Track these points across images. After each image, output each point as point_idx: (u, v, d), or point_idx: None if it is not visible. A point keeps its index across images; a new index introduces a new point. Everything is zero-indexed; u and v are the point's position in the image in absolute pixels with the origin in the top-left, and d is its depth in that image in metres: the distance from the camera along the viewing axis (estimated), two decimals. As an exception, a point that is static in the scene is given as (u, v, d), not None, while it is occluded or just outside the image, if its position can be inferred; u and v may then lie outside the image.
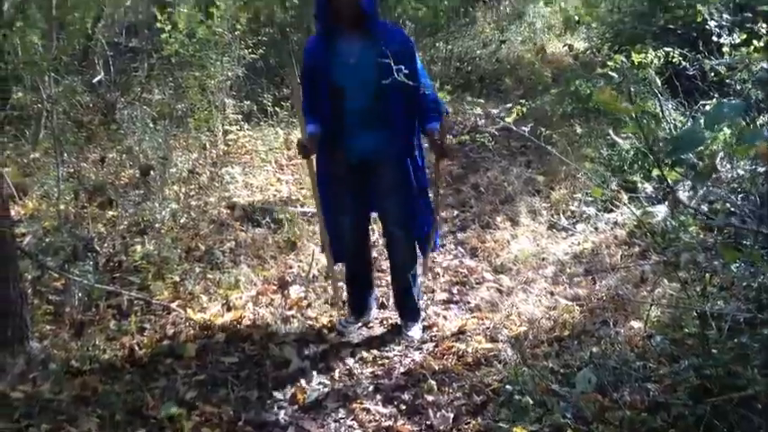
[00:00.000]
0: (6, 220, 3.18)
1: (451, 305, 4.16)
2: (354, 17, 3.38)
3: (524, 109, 6.23)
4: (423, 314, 3.96)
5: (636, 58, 5.31)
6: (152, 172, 5.37)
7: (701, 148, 4.10)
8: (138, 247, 4.44)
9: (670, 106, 5.79)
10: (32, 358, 3.24)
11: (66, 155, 5.44)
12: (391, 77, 2.94)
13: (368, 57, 3.39)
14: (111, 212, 5.07)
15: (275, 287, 4.31)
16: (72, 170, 5.50)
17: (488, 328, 3.79)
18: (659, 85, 5.78)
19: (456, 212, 5.59)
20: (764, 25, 4.64)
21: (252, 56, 7.10)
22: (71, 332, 3.53)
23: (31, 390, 3.12)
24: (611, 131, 5.51)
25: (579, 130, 6.28)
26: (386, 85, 3.09)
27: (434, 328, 3.86)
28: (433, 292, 4.30)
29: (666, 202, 5.11)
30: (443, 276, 4.52)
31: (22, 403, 3.06)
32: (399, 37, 3.58)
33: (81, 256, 3.91)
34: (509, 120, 4.23)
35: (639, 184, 5.40)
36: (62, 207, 4.34)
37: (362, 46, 3.44)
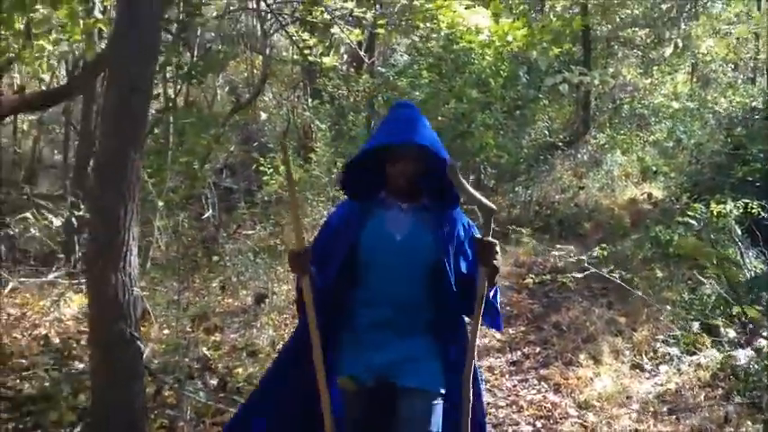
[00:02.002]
0: (138, 340, 3.56)
1: (537, 438, 4.30)
2: (412, 189, 2.64)
3: (605, 253, 6.51)
4: None
5: (714, 208, 5.55)
6: (265, 300, 5.79)
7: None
8: (240, 370, 4.76)
9: (750, 254, 5.96)
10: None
11: (175, 284, 5.91)
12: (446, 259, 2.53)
13: (422, 234, 2.61)
14: (213, 337, 5.45)
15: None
16: (176, 298, 5.96)
17: (574, 461, 3.91)
18: (739, 233, 6.00)
19: (538, 349, 5.76)
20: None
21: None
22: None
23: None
24: (695, 273, 5.68)
25: (660, 274, 6.44)
26: (442, 274, 2.55)
27: (521, 459, 4.00)
28: (517, 424, 4.45)
29: (749, 346, 5.23)
30: (527, 410, 4.67)
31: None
32: (463, 219, 2.72)
33: (194, 376, 4.26)
34: (598, 265, 4.44)
35: (722, 329, 5.52)
36: (176, 330, 4.73)
37: (416, 219, 2.63)
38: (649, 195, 8.27)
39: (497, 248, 2.40)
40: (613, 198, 11.58)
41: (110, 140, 3.42)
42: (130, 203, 3.44)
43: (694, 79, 16.98)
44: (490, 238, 2.40)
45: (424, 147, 2.54)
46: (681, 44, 13.50)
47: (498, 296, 2.63)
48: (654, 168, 10.81)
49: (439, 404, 2.55)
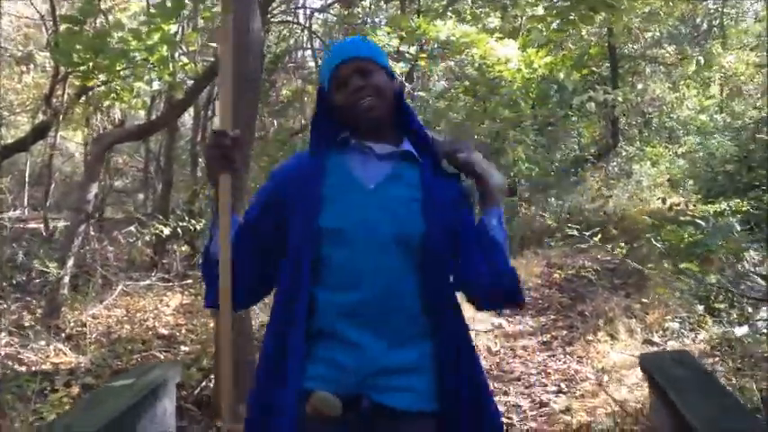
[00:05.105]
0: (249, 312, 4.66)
1: (561, 394, 5.29)
2: (385, 120, 1.93)
3: (624, 251, 7.49)
4: None
5: (711, 208, 6.51)
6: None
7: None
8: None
9: (751, 248, 6.89)
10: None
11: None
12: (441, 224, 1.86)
13: (404, 187, 1.90)
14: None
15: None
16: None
17: (588, 408, 4.90)
18: (737, 229, 6.93)
19: (565, 332, 6.75)
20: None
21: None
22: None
23: None
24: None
25: (667, 266, 7.38)
26: (434, 240, 1.84)
27: (547, 407, 5.00)
28: (545, 385, 5.46)
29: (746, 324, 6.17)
30: (554, 375, 5.67)
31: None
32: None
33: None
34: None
35: (724, 314, 6.45)
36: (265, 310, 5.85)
37: (395, 166, 1.92)
38: (664, 201, 9.18)
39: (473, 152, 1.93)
40: (641, 206, 12.49)
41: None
42: (242, 210, 4.56)
43: (725, 92, 17.74)
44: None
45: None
46: (702, 61, 14.37)
47: (506, 248, 1.90)
48: (668, 177, 11.72)
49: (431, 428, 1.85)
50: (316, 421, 1.76)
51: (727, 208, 6.55)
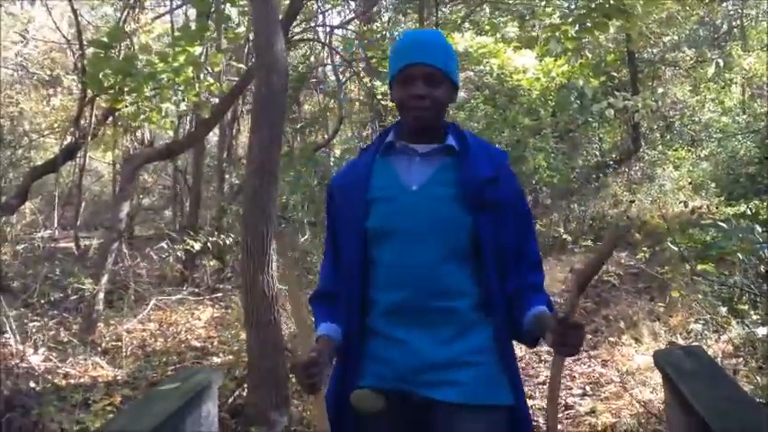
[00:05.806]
0: (279, 323, 4.82)
1: (586, 397, 5.39)
2: (435, 124, 2.00)
3: (647, 255, 7.56)
4: None
5: (731, 210, 6.57)
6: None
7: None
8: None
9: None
10: (293, 418, 4.75)
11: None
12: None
13: (447, 184, 1.93)
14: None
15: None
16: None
17: (613, 409, 4.99)
18: (759, 230, 6.97)
19: (589, 336, 6.83)
20: None
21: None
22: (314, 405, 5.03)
23: (294, 439, 4.63)
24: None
25: (689, 268, 7.44)
26: (481, 235, 1.89)
27: (572, 410, 5.10)
28: (570, 388, 5.55)
29: (769, 324, 6.21)
30: (579, 379, 5.76)
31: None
32: (507, 168, 2.04)
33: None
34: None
35: (747, 315, 6.50)
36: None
37: (440, 165, 1.97)
38: (685, 204, 9.24)
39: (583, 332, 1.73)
40: (664, 210, 12.50)
41: (255, 179, 4.70)
42: (270, 224, 4.72)
43: (747, 93, 17.64)
44: (576, 320, 1.74)
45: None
46: (722, 63, 14.35)
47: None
48: (689, 180, 11.74)
49: (500, 423, 1.88)
50: (367, 418, 1.89)
51: (748, 210, 6.60)
